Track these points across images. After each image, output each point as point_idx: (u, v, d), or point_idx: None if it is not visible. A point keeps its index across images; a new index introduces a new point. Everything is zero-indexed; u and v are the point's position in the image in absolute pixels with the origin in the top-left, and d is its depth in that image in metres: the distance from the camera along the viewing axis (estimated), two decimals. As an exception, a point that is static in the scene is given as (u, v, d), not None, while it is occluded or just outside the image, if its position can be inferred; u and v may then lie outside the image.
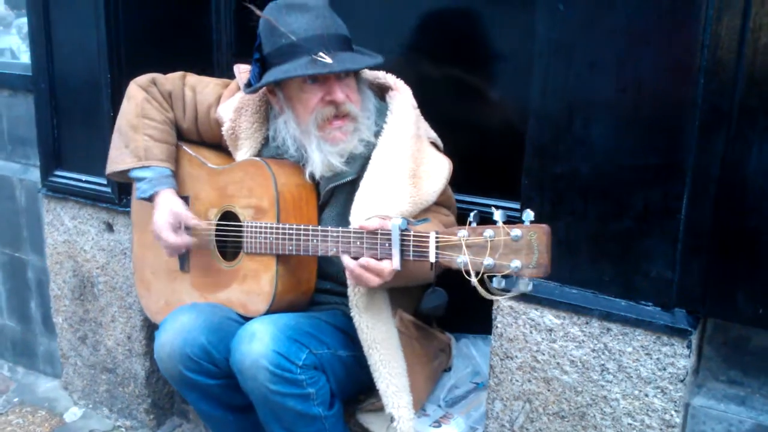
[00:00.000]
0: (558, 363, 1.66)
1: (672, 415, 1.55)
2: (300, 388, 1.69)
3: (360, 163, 1.81)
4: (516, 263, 1.36)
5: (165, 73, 2.09)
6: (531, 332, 1.68)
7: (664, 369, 1.53)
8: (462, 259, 1.41)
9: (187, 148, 2.02)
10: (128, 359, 2.50)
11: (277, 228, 1.75)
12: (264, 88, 1.84)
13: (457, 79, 2.22)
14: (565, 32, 1.54)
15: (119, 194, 2.36)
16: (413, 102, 1.89)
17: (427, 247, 1.49)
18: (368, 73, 1.94)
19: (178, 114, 2.03)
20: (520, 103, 1.88)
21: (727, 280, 1.49)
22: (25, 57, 2.76)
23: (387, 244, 1.56)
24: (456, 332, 2.13)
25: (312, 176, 1.83)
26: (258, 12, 1.81)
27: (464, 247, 1.40)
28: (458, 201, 1.92)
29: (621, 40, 1.49)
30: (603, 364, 1.60)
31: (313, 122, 1.77)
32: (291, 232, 1.73)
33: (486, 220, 1.44)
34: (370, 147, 1.81)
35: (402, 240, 1.53)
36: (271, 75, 1.75)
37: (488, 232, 1.38)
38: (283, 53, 1.74)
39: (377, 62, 1.79)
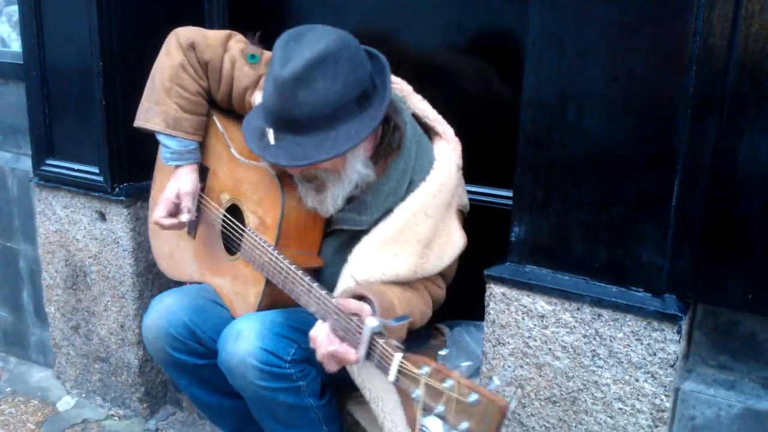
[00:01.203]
0: (550, 349, 1.67)
1: (662, 400, 1.57)
2: (290, 382, 1.69)
3: (380, 215, 1.72)
4: (464, 425, 1.26)
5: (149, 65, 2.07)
6: (523, 318, 1.69)
7: (655, 354, 1.55)
8: (417, 394, 1.33)
9: (218, 121, 1.96)
10: (121, 348, 2.50)
11: (272, 256, 1.69)
12: None
13: (453, 66, 2.22)
14: (557, 21, 1.55)
15: (112, 183, 2.35)
16: (460, 162, 1.77)
17: (390, 365, 1.40)
18: (416, 102, 1.83)
19: (213, 85, 1.92)
20: (514, 92, 1.88)
21: (717, 267, 1.51)
22: (15, 45, 2.73)
23: (358, 336, 1.48)
24: (450, 319, 2.14)
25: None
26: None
27: (422, 386, 1.32)
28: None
29: (613, 29, 1.50)
30: (594, 350, 1.62)
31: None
32: (282, 267, 1.66)
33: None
34: (394, 199, 1.70)
35: (371, 343, 1.45)
36: (248, 120, 1.69)
37: (449, 382, 1.28)
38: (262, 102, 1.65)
39: (317, 160, 1.54)
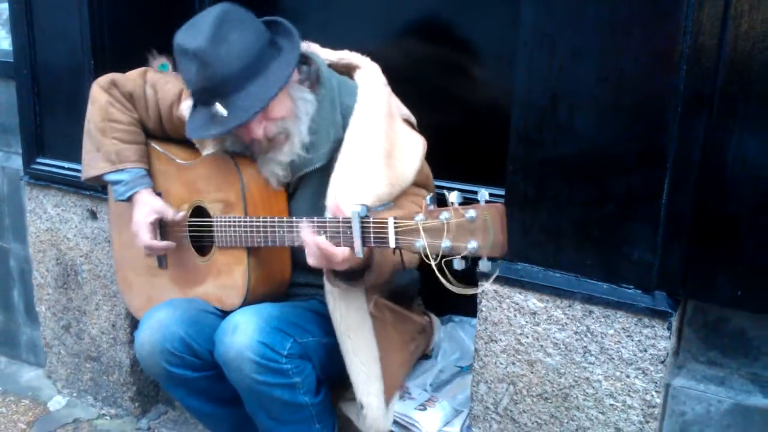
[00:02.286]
0: (541, 345, 1.68)
1: (653, 396, 1.58)
2: (286, 377, 1.69)
3: (328, 147, 1.78)
4: (473, 244, 1.34)
5: (147, 59, 2.08)
6: (515, 315, 1.70)
7: (645, 350, 1.57)
8: (420, 243, 1.40)
9: (155, 145, 2.01)
10: (113, 348, 2.49)
11: (245, 221, 1.74)
12: None
13: (442, 65, 2.23)
14: (549, 21, 1.56)
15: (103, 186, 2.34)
16: (383, 79, 1.84)
17: (387, 233, 1.47)
18: (329, 54, 1.90)
19: (142, 114, 2.00)
20: (505, 90, 1.89)
21: (707, 263, 1.52)
22: (5, 43, 2.72)
23: (349, 232, 1.54)
24: (444, 314, 2.15)
25: (276, 179, 1.82)
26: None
27: (421, 231, 1.39)
28: (444, 187, 1.93)
29: (604, 28, 1.51)
30: (585, 346, 1.63)
31: (254, 152, 1.78)
32: (258, 224, 1.72)
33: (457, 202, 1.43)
34: (335, 129, 1.77)
35: (363, 227, 1.52)
36: (191, 125, 1.75)
37: (444, 214, 1.36)
38: (193, 98, 1.73)
39: (275, 91, 1.64)
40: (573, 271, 1.63)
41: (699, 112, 1.47)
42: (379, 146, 1.73)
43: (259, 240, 1.73)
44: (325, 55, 1.90)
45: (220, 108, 1.63)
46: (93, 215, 2.41)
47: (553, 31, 1.55)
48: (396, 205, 1.75)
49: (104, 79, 2.00)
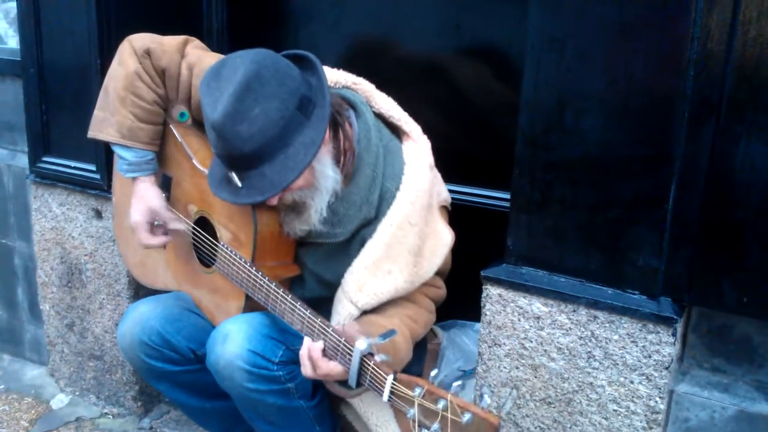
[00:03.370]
0: (545, 350, 1.68)
1: (657, 402, 1.57)
2: (279, 384, 1.69)
3: (356, 225, 1.70)
4: None
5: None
6: (519, 320, 1.70)
7: (650, 356, 1.56)
8: (411, 414, 1.38)
9: (176, 131, 1.92)
10: (116, 346, 2.49)
11: (251, 272, 1.67)
12: None
13: (448, 68, 2.23)
14: (557, 24, 1.56)
15: (108, 181, 2.34)
16: (431, 160, 1.75)
17: (383, 387, 1.44)
18: (379, 104, 1.78)
19: (171, 93, 1.86)
20: (512, 94, 1.89)
21: (712, 270, 1.52)
22: (12, 42, 2.73)
23: (348, 358, 1.50)
24: (447, 319, 2.14)
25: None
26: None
27: (416, 406, 1.36)
28: (450, 191, 1.92)
29: (612, 32, 1.51)
30: (590, 352, 1.63)
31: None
32: (263, 285, 1.65)
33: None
34: (372, 209, 1.69)
35: (361, 365, 1.48)
36: (211, 168, 1.68)
37: (443, 402, 1.32)
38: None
39: (292, 178, 1.51)
40: (578, 275, 1.63)
41: (706, 118, 1.46)
42: (411, 243, 1.68)
43: (258, 297, 1.68)
44: (376, 101, 1.77)
45: (235, 178, 1.55)
46: (98, 214, 2.42)
47: (560, 35, 1.55)
48: (408, 297, 1.76)
49: (140, 42, 1.82)
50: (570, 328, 1.64)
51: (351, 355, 1.49)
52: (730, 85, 1.43)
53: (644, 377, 1.58)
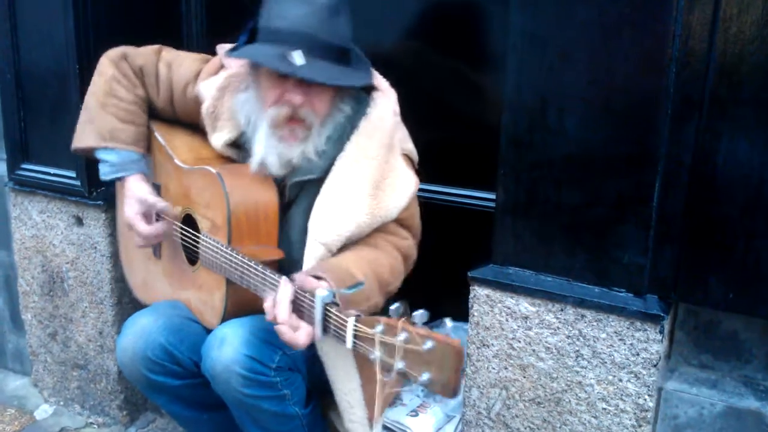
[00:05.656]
0: (534, 350, 1.68)
1: (645, 400, 1.58)
2: (275, 390, 1.67)
3: (327, 162, 1.73)
4: (426, 376, 1.24)
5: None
6: (507, 320, 1.69)
7: (638, 354, 1.56)
8: (375, 356, 1.31)
9: (158, 134, 1.93)
10: (100, 355, 2.46)
11: (226, 253, 1.68)
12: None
13: (434, 68, 2.22)
14: (538, 24, 1.56)
15: (89, 187, 2.31)
16: (396, 108, 1.80)
17: (345, 332, 1.39)
18: None
19: (151, 91, 1.91)
20: (496, 94, 1.89)
21: (698, 266, 1.52)
22: (-12, 48, 2.69)
23: (313, 312, 1.47)
24: (436, 319, 2.13)
25: (256, 170, 1.74)
26: None
27: (377, 344, 1.30)
28: (435, 192, 1.93)
29: (593, 31, 1.51)
30: (578, 351, 1.63)
31: (268, 118, 1.69)
32: (236, 262, 1.65)
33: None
34: (340, 145, 1.73)
35: (325, 315, 1.44)
36: (244, 51, 1.68)
37: (403, 335, 1.26)
38: (267, 34, 1.65)
39: (353, 84, 1.69)
40: (564, 275, 1.63)
41: (689, 115, 1.47)
42: (369, 175, 1.70)
43: (235, 277, 1.66)
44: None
45: (298, 56, 1.58)
46: (79, 221, 2.39)
47: (542, 34, 1.55)
48: (371, 239, 1.73)
49: (115, 52, 1.91)
50: (558, 328, 1.64)
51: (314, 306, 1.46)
52: (711, 82, 1.44)
53: (633, 375, 1.58)
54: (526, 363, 1.69)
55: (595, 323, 1.60)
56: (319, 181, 1.74)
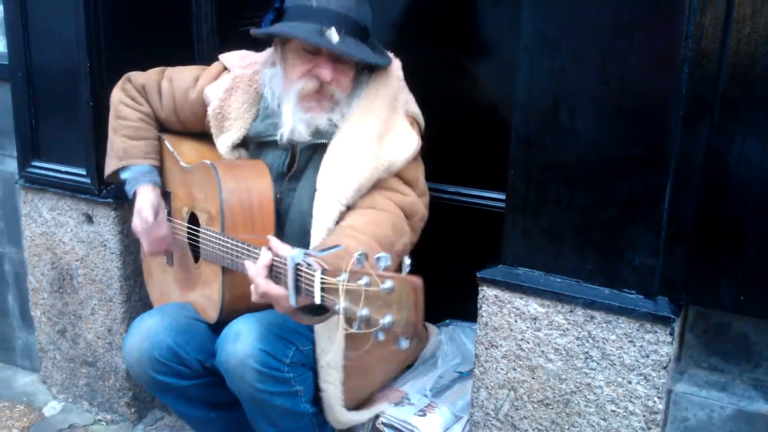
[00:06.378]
0: (542, 351, 1.67)
1: (655, 402, 1.57)
2: (288, 386, 1.68)
3: (336, 128, 1.79)
4: (388, 318, 1.20)
5: (144, 62, 2.06)
6: (516, 321, 1.69)
7: (647, 356, 1.56)
8: (339, 307, 1.27)
9: (167, 142, 1.99)
10: (108, 352, 2.47)
11: (219, 239, 1.70)
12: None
13: (443, 68, 2.22)
14: (550, 24, 1.55)
15: (99, 185, 2.33)
16: (399, 74, 1.86)
17: (314, 288, 1.33)
18: None
19: (155, 105, 1.99)
20: (506, 94, 1.88)
21: (709, 269, 1.51)
22: (0, 45, 2.70)
23: (287, 272, 1.43)
24: (444, 319, 2.14)
25: (287, 139, 1.79)
26: None
27: (341, 293, 1.25)
28: (445, 192, 1.92)
29: (605, 32, 1.50)
30: (587, 352, 1.62)
31: (295, 91, 1.75)
32: (227, 245, 1.66)
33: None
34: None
35: (297, 275, 1.39)
36: (278, 27, 1.73)
37: (364, 279, 1.22)
38: (299, 12, 1.72)
39: (379, 62, 1.77)
40: (574, 276, 1.62)
41: (701, 116, 1.46)
42: (373, 129, 1.75)
43: (227, 262, 1.67)
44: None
45: (334, 34, 1.67)
46: (89, 219, 2.39)
47: (553, 34, 1.54)
48: (369, 196, 1.72)
49: (121, 80, 2.03)
50: (567, 329, 1.63)
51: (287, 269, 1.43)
52: (724, 83, 1.43)
53: (642, 377, 1.57)
54: (534, 364, 1.68)
55: (604, 325, 1.59)
56: (327, 146, 1.78)
